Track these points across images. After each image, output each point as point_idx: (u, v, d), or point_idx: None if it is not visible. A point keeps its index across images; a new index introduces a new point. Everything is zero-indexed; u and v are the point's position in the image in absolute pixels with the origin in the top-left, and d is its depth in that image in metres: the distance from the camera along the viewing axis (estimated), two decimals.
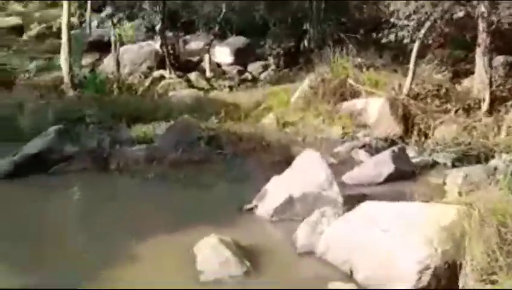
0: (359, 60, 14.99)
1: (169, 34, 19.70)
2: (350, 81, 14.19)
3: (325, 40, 18.94)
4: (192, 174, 10.73)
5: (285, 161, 10.73)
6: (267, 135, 12.71)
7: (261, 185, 9.57)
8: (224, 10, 19.60)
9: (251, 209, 9.17)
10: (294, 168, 9.39)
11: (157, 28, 19.11)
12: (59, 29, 21.43)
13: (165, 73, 18.24)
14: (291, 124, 13.78)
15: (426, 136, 12.53)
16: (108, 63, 18.51)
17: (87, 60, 19.38)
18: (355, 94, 13.99)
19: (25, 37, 22.44)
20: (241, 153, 11.74)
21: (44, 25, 22.88)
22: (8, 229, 8.49)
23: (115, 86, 16.36)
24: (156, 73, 18.33)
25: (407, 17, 12.98)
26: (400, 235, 6.90)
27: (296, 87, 15.70)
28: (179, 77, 18.17)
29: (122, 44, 18.16)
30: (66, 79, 16.54)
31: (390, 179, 10.34)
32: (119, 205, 9.71)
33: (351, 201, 8.58)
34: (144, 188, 10.38)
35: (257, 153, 11.75)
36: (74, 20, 21.36)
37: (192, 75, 18.48)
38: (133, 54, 18.91)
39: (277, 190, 9.14)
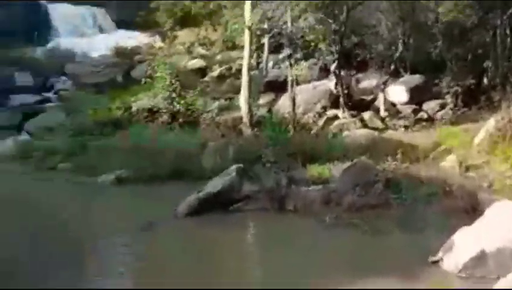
0: None
1: (343, 72, 19.56)
2: None
3: (508, 77, 17.44)
4: (370, 219, 10.26)
5: (470, 208, 9.82)
6: (449, 179, 11.80)
7: (445, 235, 8.78)
8: (400, 49, 19.01)
9: (436, 261, 8.42)
10: (486, 219, 8.49)
11: (332, 67, 19.07)
12: (238, 70, 22.50)
13: (339, 112, 18.06)
14: (475, 167, 12.70)
15: None
16: (283, 103, 18.83)
17: (263, 99, 19.94)
18: None
19: (207, 78, 23.86)
20: (421, 198, 10.99)
21: (225, 67, 24.15)
22: (191, 262, 8.72)
23: (290, 125, 16.50)
24: (330, 112, 18.23)
25: None
26: None
27: (477, 127, 14.56)
28: (352, 116, 17.87)
29: (297, 84, 18.38)
30: (245, 118, 17.11)
31: None
32: (294, 247, 9.54)
33: None
34: (320, 231, 10.14)
35: (439, 199, 10.93)
36: (252, 61, 22.22)
37: (366, 115, 18.07)
38: (307, 93, 19.05)
39: (466, 243, 8.30)
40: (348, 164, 12.59)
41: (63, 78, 26.07)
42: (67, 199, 13.54)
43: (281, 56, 20.96)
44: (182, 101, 18.89)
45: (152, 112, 18.93)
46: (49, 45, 28.82)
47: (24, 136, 20.51)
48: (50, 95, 24.59)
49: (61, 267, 8.71)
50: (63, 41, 29.04)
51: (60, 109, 21.80)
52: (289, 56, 17.75)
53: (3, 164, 17.80)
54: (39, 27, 29.58)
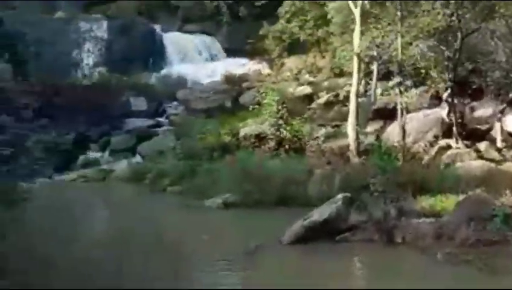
0: None
1: (456, 100, 18.78)
2: None
3: None
4: (486, 257, 9.64)
5: None
6: None
7: None
8: None
9: None
10: None
11: (444, 95, 18.40)
12: (346, 97, 22.39)
13: (452, 142, 17.31)
14: None
15: None
16: (392, 131, 18.39)
17: (371, 127, 19.64)
18: None
19: (314, 105, 23.94)
20: None
21: (332, 93, 24.12)
22: None
23: (399, 154, 16.06)
24: (442, 142, 17.53)
25: None
26: None
27: None
28: (466, 146, 17.06)
29: (407, 112, 17.90)
30: (352, 146, 16.92)
31: None
32: (403, 282, 9.13)
33: None
34: (431, 267, 9.66)
35: None
36: (360, 88, 22.03)
37: (482, 145, 17.18)
38: (418, 122, 18.46)
39: None
40: (462, 196, 12.01)
41: (175, 103, 27.34)
42: (175, 221, 14.05)
43: (390, 83, 20.55)
44: (289, 128, 19.05)
45: (259, 138, 19.26)
46: (163, 72, 30.46)
47: (137, 159, 21.66)
48: (162, 119, 25.89)
49: (167, 284, 8.98)
50: (176, 68, 30.59)
51: (171, 133, 22.82)
52: (399, 83, 17.36)
53: (120, 184, 18.95)
54: (154, 55, 31.42)
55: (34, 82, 22.36)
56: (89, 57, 27.20)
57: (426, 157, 16.53)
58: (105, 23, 31.32)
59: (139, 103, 26.69)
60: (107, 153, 22.74)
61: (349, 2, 17.86)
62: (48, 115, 22.91)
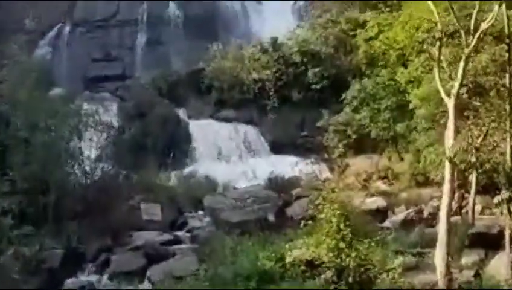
0: None
1: None
2: None
3: None
4: None
5: None
6: None
7: None
8: None
9: None
10: None
11: None
12: (432, 214, 22.15)
13: None
14: None
15: None
16: (497, 265, 18.04)
17: (468, 258, 19.34)
18: None
19: (388, 223, 23.67)
20: None
21: (413, 209, 23.87)
22: None
23: None
24: None
25: None
26: None
27: None
28: None
29: None
30: (441, 283, 16.55)
31: None
32: None
33: None
34: None
35: None
36: (453, 203, 21.79)
37: None
38: None
39: None
40: None
41: (200, 213, 27.52)
42: None
43: (495, 199, 20.37)
44: (353, 254, 18.75)
45: (312, 266, 19.03)
46: (186, 170, 31.02)
47: (146, 286, 21.55)
48: (182, 234, 25.92)
49: None
50: (204, 166, 31.13)
51: (194, 254, 22.75)
52: (508, 200, 17.19)
53: None
54: (176, 148, 32.18)
55: (18, 177, 23.05)
56: (91, 148, 27.83)
57: None
58: (114, 105, 32.50)
59: (152, 211, 26.92)
60: (105, 276, 22.69)
61: (441, 90, 18.06)
62: (33, 222, 23.26)
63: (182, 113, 34.11)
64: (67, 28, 41.88)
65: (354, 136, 30.19)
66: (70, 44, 41.11)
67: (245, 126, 34.01)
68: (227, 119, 34.35)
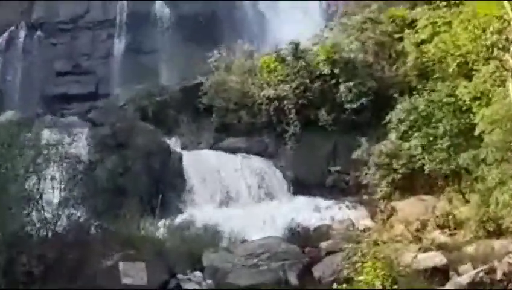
0: None
1: None
2: None
3: None
4: None
5: None
6: None
7: None
8: None
9: None
10: None
11: None
12: (508, 275, 21.93)
13: None
14: None
15: None
16: None
17: None
18: None
19: (450, 285, 23.44)
20: None
21: (483, 267, 23.65)
22: None
23: None
24: None
25: None
26: None
27: None
28: None
29: None
30: None
31: None
32: None
33: None
34: None
35: None
36: None
37: None
38: None
39: None
40: None
41: (198, 274, 27.31)
42: None
43: None
44: None
45: None
46: (180, 218, 30.86)
47: None
48: None
49: None
50: (202, 212, 30.99)
51: None
52: None
53: None
54: (166, 186, 32.06)
55: None
56: (53, 189, 27.72)
57: None
58: (85, 133, 32.42)
59: (135, 272, 26.77)
60: None
61: None
62: None
63: (173, 142, 34.13)
64: (22, 32, 41.98)
65: (402, 171, 30.02)
66: (26, 53, 41.19)
67: (257, 159, 33.95)
68: (233, 150, 34.34)
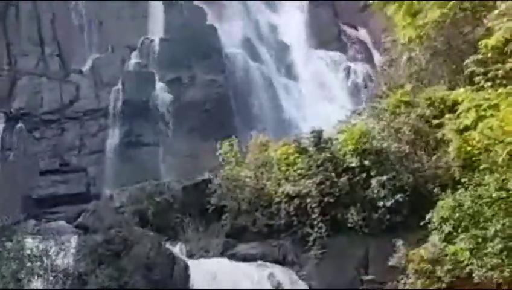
0: None
1: None
2: None
3: None
4: None
5: None
6: None
7: None
8: None
9: None
10: None
11: None
12: None
13: None
14: None
15: None
16: None
17: None
18: None
19: None
20: None
21: None
22: None
23: None
24: None
25: None
26: None
27: None
28: None
29: None
30: None
31: None
32: None
33: None
34: None
35: None
36: None
37: None
38: None
39: None
40: None
41: None
42: None
43: None
44: None
45: None
46: None
47: None
48: None
49: None
50: None
51: None
52: None
53: None
54: None
55: None
56: None
57: None
58: (74, 241, 32.39)
59: None
60: None
61: None
62: None
63: (177, 250, 33.99)
64: (0, 125, 42.23)
65: (446, 280, 29.82)
66: (4, 149, 41.36)
67: (275, 268, 33.79)
68: (247, 258, 34.14)
